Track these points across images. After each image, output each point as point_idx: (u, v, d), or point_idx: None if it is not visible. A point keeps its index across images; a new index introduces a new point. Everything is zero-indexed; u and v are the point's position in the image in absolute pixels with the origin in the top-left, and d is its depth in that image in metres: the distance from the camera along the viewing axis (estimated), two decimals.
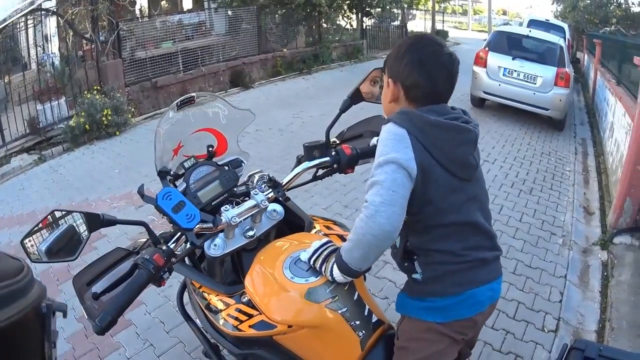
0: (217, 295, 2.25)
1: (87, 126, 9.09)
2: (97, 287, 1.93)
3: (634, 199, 6.44)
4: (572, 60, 17.77)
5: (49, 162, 8.48)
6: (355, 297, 2.15)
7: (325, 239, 2.19)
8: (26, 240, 1.81)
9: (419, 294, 2.11)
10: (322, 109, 11.33)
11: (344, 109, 2.50)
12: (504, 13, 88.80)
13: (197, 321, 2.53)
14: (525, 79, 11.82)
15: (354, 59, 18.96)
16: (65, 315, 1.36)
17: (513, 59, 12.07)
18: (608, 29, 19.61)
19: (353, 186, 7.31)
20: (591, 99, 16.18)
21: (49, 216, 1.83)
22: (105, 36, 10.22)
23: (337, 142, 2.67)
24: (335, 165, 2.54)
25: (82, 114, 9.07)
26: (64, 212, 1.85)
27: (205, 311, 2.30)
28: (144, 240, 2.25)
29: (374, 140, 2.57)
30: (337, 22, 19.85)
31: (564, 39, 15.98)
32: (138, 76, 10.59)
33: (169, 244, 2.01)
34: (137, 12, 14.02)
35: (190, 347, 3.94)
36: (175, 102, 2.45)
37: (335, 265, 2.01)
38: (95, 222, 1.87)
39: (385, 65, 2.18)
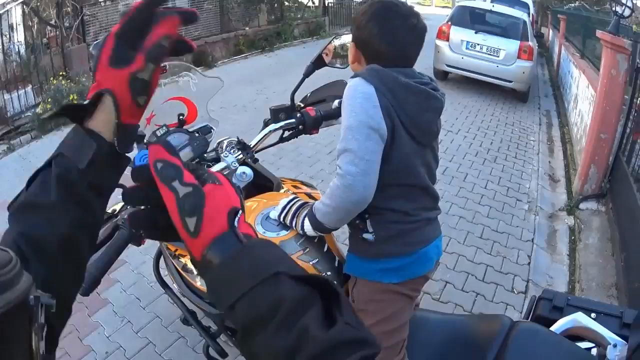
0: None
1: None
2: None
3: (599, 166, 6.63)
4: (536, 35, 17.94)
5: (18, 151, 8.35)
6: (325, 249, 2.23)
7: (292, 196, 2.26)
8: None
9: (372, 255, 2.14)
10: (285, 85, 11.14)
11: (307, 73, 2.55)
12: None
13: (174, 286, 2.59)
14: (488, 52, 11.97)
15: (316, 35, 18.85)
16: (53, 309, 1.36)
17: (476, 32, 12.20)
18: (572, 5, 19.78)
19: (318, 158, 7.39)
20: (556, 72, 16.41)
21: None
22: (69, 22, 10.11)
23: (302, 105, 2.72)
24: (300, 127, 2.60)
25: (49, 100, 8.93)
26: None
27: (182, 272, 2.36)
28: (121, 204, 2.28)
29: (335, 103, 2.64)
30: (299, 0, 19.77)
31: (528, 14, 16.17)
32: None
33: None
34: None
35: (167, 321, 3.98)
36: None
37: (306, 220, 2.07)
38: None
39: (353, 22, 2.20)
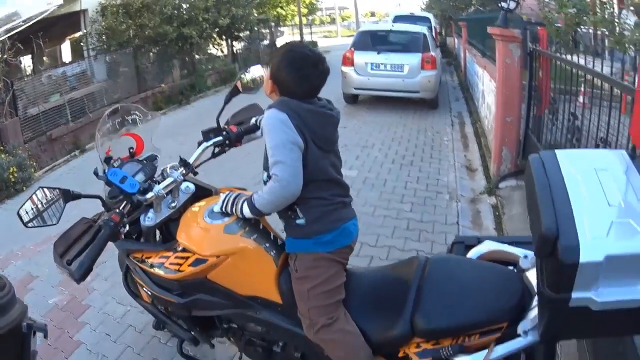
0: (158, 254, 2.81)
1: None
2: (69, 256, 2.48)
3: (510, 147, 7.31)
4: (440, 46, 18.76)
5: None
6: (261, 227, 2.84)
7: (228, 192, 2.88)
8: (21, 211, 2.53)
9: (306, 235, 2.70)
10: None
11: (226, 101, 3.15)
12: (372, 14, 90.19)
13: (145, 290, 3.04)
14: (393, 69, 12.74)
15: (229, 83, 19.13)
16: (46, 336, 1.61)
17: (378, 53, 12.95)
18: (469, 9, 20.78)
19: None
20: (464, 76, 17.51)
21: (37, 191, 2.59)
22: (1, 97, 10.24)
23: (226, 126, 3.31)
24: (227, 142, 3.20)
25: None
26: (46, 188, 2.60)
27: (150, 270, 2.83)
28: (100, 211, 2.90)
29: (253, 120, 3.32)
30: (209, 52, 20.11)
31: (430, 27, 17.03)
32: (34, 132, 10.49)
33: (120, 208, 2.65)
34: (25, 69, 13.93)
35: (138, 348, 4.26)
36: (106, 112, 3.11)
37: (245, 207, 2.66)
38: (67, 195, 2.61)
39: (268, 62, 2.75)
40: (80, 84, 12.33)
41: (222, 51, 21.40)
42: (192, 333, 3.20)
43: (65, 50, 17.73)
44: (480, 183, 7.82)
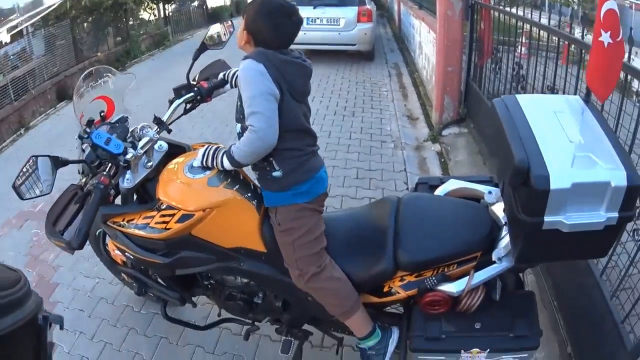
0: (141, 214, 2.82)
1: None
2: (60, 226, 2.56)
3: (452, 96, 7.55)
4: None
5: None
6: (241, 178, 2.90)
7: (206, 145, 2.89)
8: (16, 184, 2.47)
9: (283, 188, 2.73)
10: (145, 98, 10.67)
11: (195, 58, 3.15)
12: None
13: (128, 254, 3.04)
14: (329, 23, 12.88)
15: (162, 46, 18.98)
16: (62, 327, 1.56)
17: (314, 8, 12.99)
18: None
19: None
20: (398, 28, 17.70)
21: (29, 161, 2.49)
22: None
23: (196, 82, 3.32)
24: (198, 97, 3.20)
25: None
26: (37, 156, 2.50)
27: (132, 232, 2.85)
28: (84, 179, 2.89)
29: (220, 75, 3.31)
30: (141, 17, 19.74)
31: None
32: None
33: (107, 170, 2.67)
34: None
35: (114, 320, 4.26)
36: (81, 76, 3.08)
37: (224, 159, 2.70)
38: (57, 162, 2.54)
39: (244, 13, 2.77)
40: (21, 61, 12.04)
41: (154, 15, 21.06)
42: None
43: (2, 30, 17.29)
44: (422, 131, 8.06)
